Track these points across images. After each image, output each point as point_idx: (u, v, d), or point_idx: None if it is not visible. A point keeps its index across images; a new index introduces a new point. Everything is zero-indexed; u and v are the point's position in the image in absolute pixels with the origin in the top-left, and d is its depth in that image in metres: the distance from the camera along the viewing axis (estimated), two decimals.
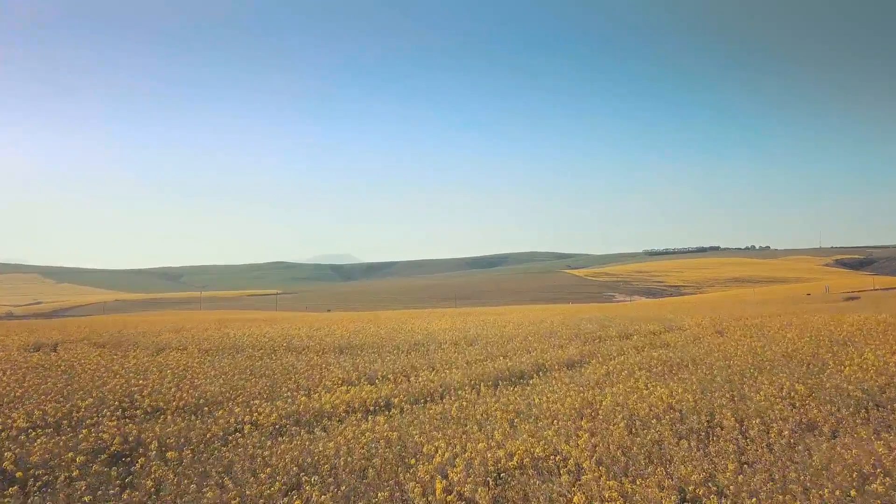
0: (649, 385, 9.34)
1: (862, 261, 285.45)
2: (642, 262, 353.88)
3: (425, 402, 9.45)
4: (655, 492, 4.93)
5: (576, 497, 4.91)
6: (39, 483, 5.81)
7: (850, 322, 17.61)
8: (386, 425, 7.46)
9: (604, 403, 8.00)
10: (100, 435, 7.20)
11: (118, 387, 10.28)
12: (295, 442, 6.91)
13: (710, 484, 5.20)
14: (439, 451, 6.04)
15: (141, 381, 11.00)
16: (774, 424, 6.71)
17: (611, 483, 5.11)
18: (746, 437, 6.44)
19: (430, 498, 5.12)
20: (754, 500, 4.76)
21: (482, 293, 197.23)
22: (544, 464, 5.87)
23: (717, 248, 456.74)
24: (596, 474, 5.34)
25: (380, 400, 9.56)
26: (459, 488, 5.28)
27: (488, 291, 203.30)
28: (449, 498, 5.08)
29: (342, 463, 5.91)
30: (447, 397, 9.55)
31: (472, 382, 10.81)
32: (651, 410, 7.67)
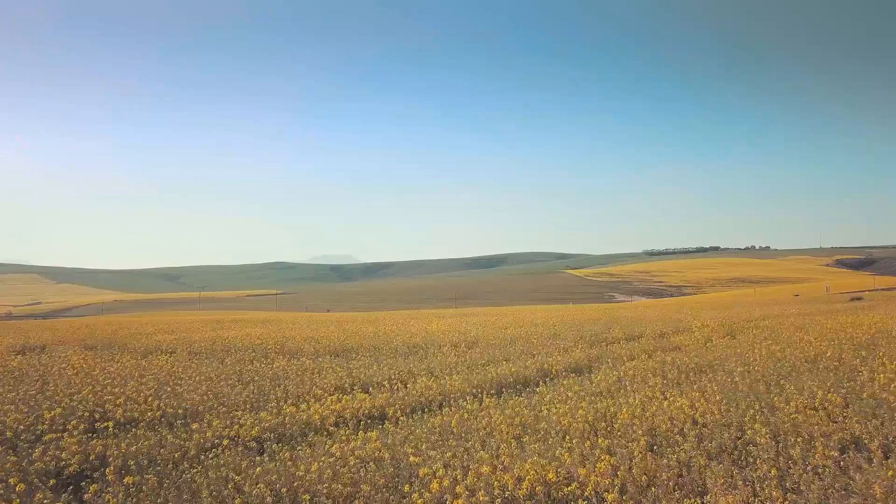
0: (666, 394, 8.58)
1: (862, 261, 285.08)
2: (642, 262, 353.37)
3: (423, 412, 8.68)
4: None
5: None
6: None
7: (868, 324, 16.86)
8: (378, 442, 6.68)
9: (619, 416, 7.23)
10: (59, 453, 6.43)
11: (92, 395, 9.51)
12: (275, 463, 6.14)
13: None
14: (437, 476, 5.26)
15: (118, 389, 10.23)
16: (816, 441, 5.94)
17: None
18: (786, 458, 5.67)
19: None
20: None
21: (482, 293, 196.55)
22: (558, 492, 5.10)
23: (717, 249, 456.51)
24: None
25: (373, 410, 8.80)
26: None
27: (488, 292, 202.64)
28: None
29: (325, 490, 5.13)
30: (447, 407, 8.78)
31: (474, 390, 10.05)
32: (673, 424, 6.91)
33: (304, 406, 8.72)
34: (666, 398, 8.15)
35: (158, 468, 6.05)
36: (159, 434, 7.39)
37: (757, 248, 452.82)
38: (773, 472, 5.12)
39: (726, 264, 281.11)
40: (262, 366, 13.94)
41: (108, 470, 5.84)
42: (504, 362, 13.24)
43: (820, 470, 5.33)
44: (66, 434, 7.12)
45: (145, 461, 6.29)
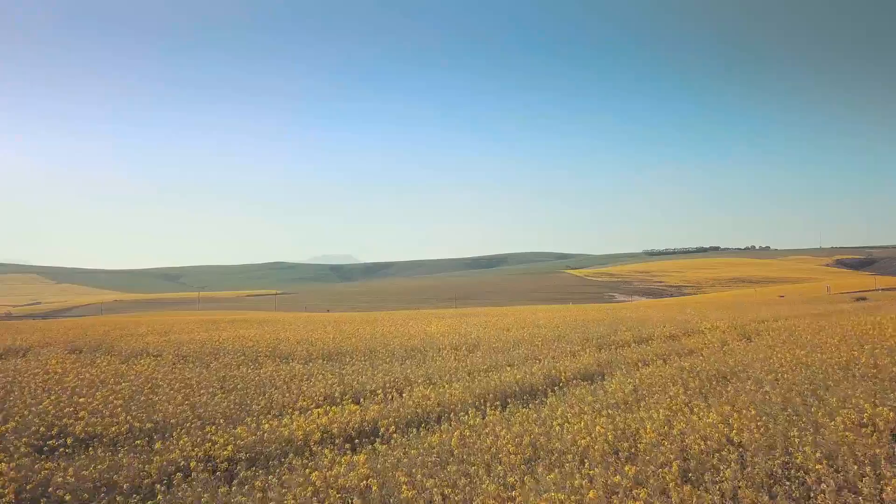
0: (692, 406, 7.66)
1: (862, 261, 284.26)
2: (642, 262, 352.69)
3: (419, 427, 7.76)
4: None
5: None
6: None
7: (893, 326, 15.93)
8: (366, 467, 5.76)
9: (643, 435, 6.31)
10: None
11: (53, 407, 8.59)
12: (241, 496, 5.21)
13: None
14: None
15: (84, 399, 9.31)
16: (882, 468, 5.03)
17: None
18: (852, 490, 4.75)
19: None
20: None
21: (482, 293, 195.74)
22: None
23: (717, 249, 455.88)
24: None
25: (364, 425, 7.88)
26: None
27: (488, 292, 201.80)
28: None
29: None
30: (446, 422, 7.85)
31: (476, 400, 9.13)
32: (706, 444, 5.99)
33: (286, 420, 7.81)
34: (693, 411, 7.24)
35: (105, 502, 5.13)
36: (118, 454, 6.47)
37: (757, 248, 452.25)
38: None
39: (726, 264, 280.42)
40: (249, 371, 13.02)
41: (52, 497, 4.95)
42: (508, 367, 12.31)
43: None
44: (4, 456, 6.19)
45: (95, 488, 5.37)
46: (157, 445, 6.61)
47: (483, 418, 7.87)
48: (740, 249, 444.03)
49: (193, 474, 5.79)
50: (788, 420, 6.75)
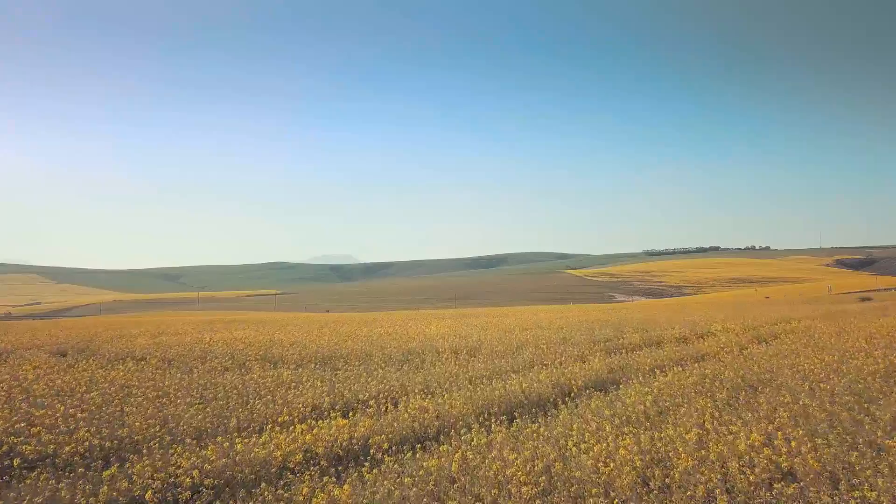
0: (724, 421, 6.74)
1: (862, 261, 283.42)
2: (642, 262, 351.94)
3: (415, 445, 6.84)
4: None
5: None
6: None
7: None
8: (351, 501, 4.84)
9: (675, 459, 5.39)
10: None
11: (4, 421, 7.67)
12: None
13: None
14: None
15: (45, 412, 8.39)
16: None
17: None
18: None
19: None
20: None
21: (482, 293, 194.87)
22: None
23: (717, 249, 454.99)
24: None
25: (353, 443, 6.95)
26: None
27: (488, 292, 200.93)
28: None
29: None
30: (446, 441, 6.93)
31: (479, 413, 8.21)
32: (750, 471, 5.08)
33: (265, 437, 6.89)
34: (729, 430, 6.31)
35: None
36: (62, 482, 5.55)
37: (757, 248, 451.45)
38: None
39: (726, 264, 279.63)
40: (234, 377, 12.09)
41: None
42: (512, 374, 11.40)
43: None
44: None
45: None
46: (109, 473, 5.66)
47: (487, 435, 6.95)
48: (740, 249, 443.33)
49: None
50: (840, 439, 5.84)
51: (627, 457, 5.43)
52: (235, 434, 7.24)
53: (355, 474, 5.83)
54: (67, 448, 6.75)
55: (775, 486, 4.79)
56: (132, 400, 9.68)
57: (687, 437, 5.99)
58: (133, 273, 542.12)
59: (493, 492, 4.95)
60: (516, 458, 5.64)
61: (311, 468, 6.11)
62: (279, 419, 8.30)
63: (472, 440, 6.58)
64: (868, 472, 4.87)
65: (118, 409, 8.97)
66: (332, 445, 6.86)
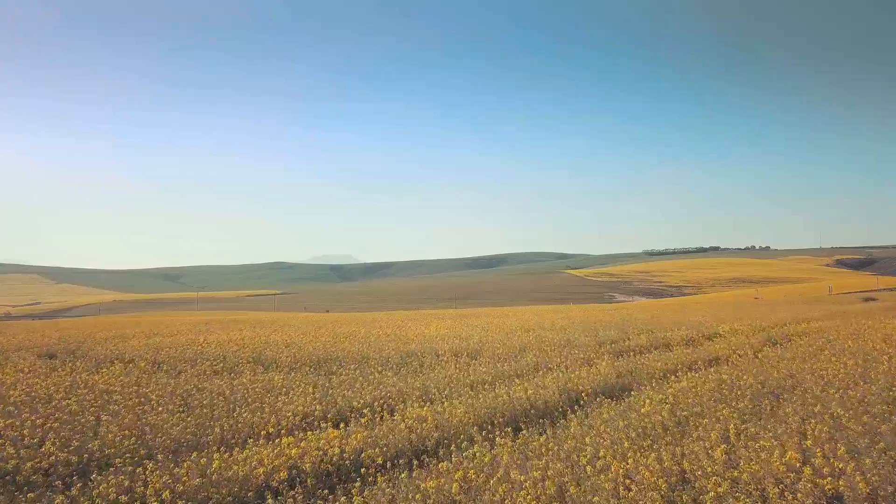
0: (750, 434, 6.13)
1: (863, 261, 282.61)
2: (642, 262, 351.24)
3: (412, 460, 6.24)
4: None
5: None
6: None
7: None
8: None
9: (702, 479, 4.78)
10: None
11: None
12: None
13: None
14: None
15: (13, 421, 7.78)
16: None
17: None
18: None
19: None
20: None
21: (482, 293, 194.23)
22: None
23: (717, 249, 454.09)
24: None
25: (344, 458, 6.34)
26: None
27: (488, 292, 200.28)
28: None
29: None
30: (446, 456, 6.31)
31: (482, 423, 7.60)
32: (792, 496, 4.47)
33: (247, 452, 6.27)
34: (759, 445, 5.70)
35: None
36: None
37: (757, 248, 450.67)
38: None
39: (726, 264, 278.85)
40: (223, 382, 11.47)
41: None
42: (516, 379, 10.80)
43: None
44: None
45: None
46: (59, 499, 5.04)
47: (491, 449, 6.35)
48: (740, 249, 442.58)
49: None
50: (884, 457, 5.23)
51: (651, 478, 4.82)
52: (215, 448, 6.61)
53: (346, 495, 5.21)
54: (30, 464, 6.14)
55: None
56: (111, 407, 9.08)
57: (714, 454, 5.38)
58: (133, 273, 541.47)
59: None
60: (524, 479, 5.02)
61: (298, 486, 5.50)
62: (266, 429, 7.70)
63: (475, 455, 5.97)
64: None
65: (94, 417, 8.37)
66: (322, 460, 6.25)
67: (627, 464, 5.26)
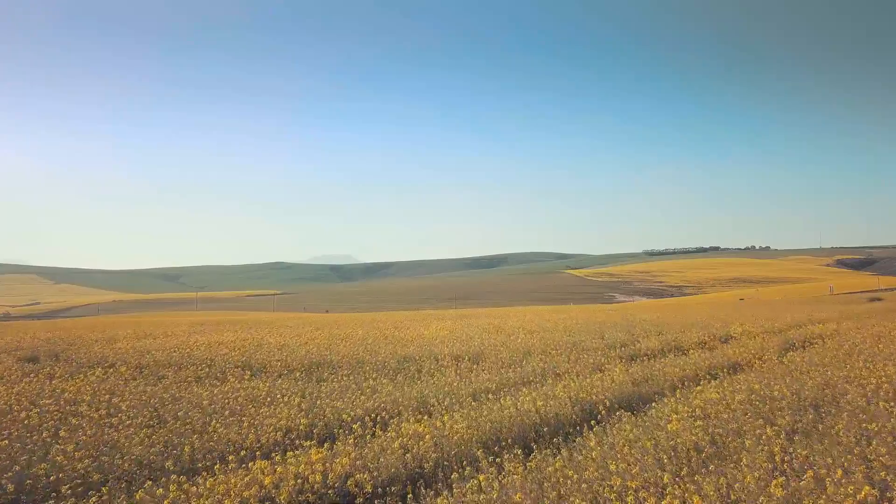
0: (802, 459, 5.22)
1: (863, 261, 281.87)
2: (642, 262, 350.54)
3: (406, 487, 5.33)
4: None
5: None
6: None
7: None
8: None
9: None
10: None
11: None
12: None
13: None
14: None
15: None
16: None
17: None
18: None
19: None
20: None
21: (482, 294, 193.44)
22: None
23: (717, 249, 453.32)
24: None
25: (328, 485, 5.44)
26: None
27: (488, 292, 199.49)
28: None
29: None
30: (445, 487, 5.40)
31: (487, 441, 6.69)
32: None
33: (210, 481, 5.35)
34: (816, 474, 4.78)
35: None
36: None
37: (757, 248, 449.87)
38: None
39: (726, 264, 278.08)
40: (203, 390, 10.54)
41: None
42: (522, 388, 9.88)
43: None
44: None
45: None
46: None
47: (499, 475, 5.44)
48: (740, 249, 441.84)
49: None
50: None
51: None
52: (176, 475, 5.68)
53: None
54: None
55: None
56: (74, 421, 8.17)
57: (771, 489, 4.46)
58: (133, 273, 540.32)
59: None
60: None
61: None
62: (244, 445, 6.80)
63: (481, 485, 5.05)
64: None
65: (52, 434, 7.46)
66: (301, 489, 5.34)
67: (665, 500, 4.35)
